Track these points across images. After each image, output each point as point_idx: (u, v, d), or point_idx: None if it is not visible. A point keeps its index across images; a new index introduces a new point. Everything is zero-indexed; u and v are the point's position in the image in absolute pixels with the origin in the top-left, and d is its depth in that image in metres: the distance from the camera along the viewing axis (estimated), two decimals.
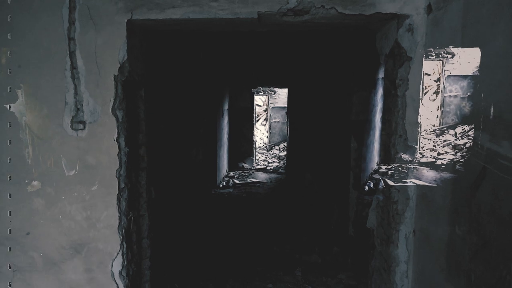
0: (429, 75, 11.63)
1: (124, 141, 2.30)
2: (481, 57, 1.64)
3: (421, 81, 2.25)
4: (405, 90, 2.29)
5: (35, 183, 2.31)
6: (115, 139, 2.28)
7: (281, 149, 14.95)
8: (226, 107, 10.88)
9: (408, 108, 2.29)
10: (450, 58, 10.88)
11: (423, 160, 9.30)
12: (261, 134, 15.93)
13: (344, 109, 5.20)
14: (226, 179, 10.30)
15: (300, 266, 4.85)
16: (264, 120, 16.11)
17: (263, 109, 16.18)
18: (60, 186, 2.32)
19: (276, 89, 14.90)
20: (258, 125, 15.42)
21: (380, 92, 7.99)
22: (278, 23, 2.39)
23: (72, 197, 2.33)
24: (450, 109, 11.32)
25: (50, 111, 2.26)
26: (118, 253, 2.38)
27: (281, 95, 15.41)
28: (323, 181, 6.75)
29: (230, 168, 11.60)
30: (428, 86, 11.64)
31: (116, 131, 2.28)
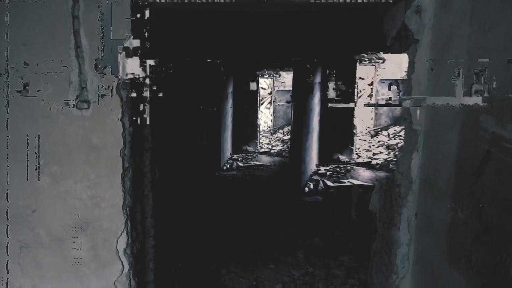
0: (363, 79, 11.88)
1: (128, 120, 2.31)
2: (490, 39, 1.62)
3: (427, 65, 2.23)
4: (411, 73, 2.27)
5: (40, 161, 2.33)
6: (119, 119, 2.28)
7: (285, 133, 14.94)
8: (230, 90, 10.84)
9: (413, 92, 2.27)
10: (381, 63, 11.21)
11: (360, 160, 9.41)
12: (265, 117, 15.90)
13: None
14: (230, 161, 10.35)
15: (302, 248, 4.91)
16: (269, 103, 16.05)
17: (267, 92, 16.11)
18: (65, 165, 2.34)
19: (281, 72, 14.79)
20: (262, 108, 15.38)
21: (317, 96, 7.90)
22: (285, 4, 2.36)
23: (77, 176, 2.35)
24: (383, 111, 11.67)
25: (55, 90, 2.27)
26: (122, 232, 2.41)
27: (286, 78, 15.31)
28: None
29: (234, 151, 11.63)
30: (363, 89, 11.91)
31: (121, 110, 2.28)
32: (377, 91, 11.63)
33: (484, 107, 1.63)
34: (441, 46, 2.07)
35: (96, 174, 2.35)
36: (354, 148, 9.53)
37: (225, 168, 9.71)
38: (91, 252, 2.42)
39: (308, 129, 7.45)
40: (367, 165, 8.82)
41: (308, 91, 7.40)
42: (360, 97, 11.70)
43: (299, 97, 7.25)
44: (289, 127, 13.22)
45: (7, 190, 2.35)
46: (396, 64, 11.55)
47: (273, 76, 14.73)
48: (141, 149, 2.57)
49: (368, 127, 11.58)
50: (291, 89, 11.21)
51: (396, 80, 11.62)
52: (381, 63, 11.33)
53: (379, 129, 11.57)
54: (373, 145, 10.21)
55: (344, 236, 5.16)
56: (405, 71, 8.87)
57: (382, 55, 10.63)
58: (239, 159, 10.85)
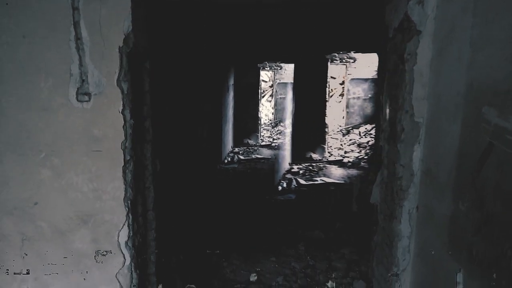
0: (334, 78, 12.03)
1: (129, 113, 2.31)
2: (493, 30, 1.60)
3: (430, 56, 2.21)
4: (413, 64, 2.25)
5: (42, 154, 2.33)
6: (120, 111, 2.28)
7: (286, 126, 14.92)
8: (231, 82, 10.81)
9: (415, 84, 2.26)
10: (352, 62, 11.39)
11: (332, 158, 9.49)
12: (266, 110, 15.87)
13: None
14: (231, 154, 10.35)
15: (303, 241, 4.92)
16: (270, 96, 16.01)
17: (268, 85, 16.05)
18: (66, 157, 2.34)
19: (282, 64, 14.73)
20: (263, 101, 15.34)
21: (289, 96, 7.77)
22: None
23: (78, 168, 2.35)
24: (354, 110, 11.85)
25: (55, 82, 2.26)
26: (124, 224, 2.42)
27: (287, 71, 15.25)
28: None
29: (235, 144, 11.63)
30: (334, 88, 12.08)
31: (121, 103, 2.28)
32: (348, 90, 11.79)
33: (487, 98, 1.62)
34: (444, 37, 2.05)
35: (97, 167, 2.35)
36: (326, 146, 9.65)
37: (226, 161, 9.71)
38: (93, 244, 2.43)
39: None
40: (339, 163, 8.98)
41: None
42: (331, 96, 11.89)
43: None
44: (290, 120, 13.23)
45: (9, 182, 2.36)
46: (367, 64, 11.76)
47: (274, 69, 14.68)
48: (142, 141, 2.57)
49: (340, 126, 11.74)
50: (292, 81, 11.19)
51: (366, 79, 11.85)
52: (352, 62, 11.53)
53: (351, 128, 11.77)
54: (344, 144, 10.35)
55: (345, 228, 5.17)
56: (375, 70, 9.01)
57: (353, 54, 10.81)
58: (240, 152, 10.85)
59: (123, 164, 2.34)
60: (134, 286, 2.49)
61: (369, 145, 9.80)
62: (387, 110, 2.64)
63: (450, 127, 1.93)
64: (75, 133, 2.31)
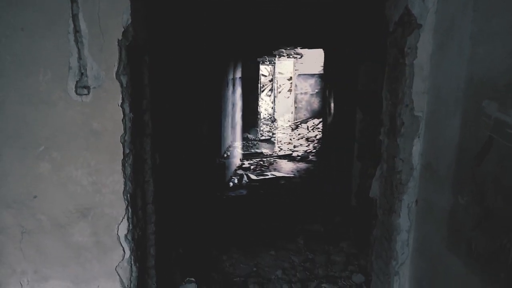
0: (282, 74, 12.12)
1: (128, 106, 2.30)
2: (494, 24, 1.60)
3: (430, 51, 2.20)
4: (413, 59, 2.25)
5: (41, 148, 2.33)
6: (119, 105, 2.27)
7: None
8: (231, 76, 10.77)
9: (415, 78, 2.25)
10: (299, 58, 11.47)
11: (281, 153, 9.58)
12: (265, 105, 15.84)
13: (351, 79, 5.13)
14: (231, 149, 10.35)
15: (302, 235, 4.93)
16: (269, 90, 15.98)
17: (268, 79, 16.02)
18: (65, 151, 2.33)
19: (280, 59, 14.69)
20: (263, 95, 15.30)
21: (239, 91, 7.84)
22: None
23: (78, 162, 2.35)
24: (302, 105, 11.96)
25: (54, 75, 2.25)
26: (123, 218, 2.42)
27: (287, 65, 15.20)
28: (327, 152, 6.76)
29: (234, 139, 11.61)
30: (283, 84, 12.15)
31: (121, 96, 2.27)
32: (295, 85, 11.89)
33: (487, 92, 1.61)
34: (444, 31, 2.04)
35: (96, 160, 2.35)
36: (276, 141, 9.74)
37: (225, 155, 9.71)
38: (93, 238, 2.43)
39: (234, 123, 7.50)
40: (289, 157, 9.09)
41: (225, 85, 7.24)
42: (280, 91, 11.98)
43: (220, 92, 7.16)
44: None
45: (8, 176, 2.35)
46: (313, 59, 11.90)
47: (274, 63, 14.64)
48: (142, 135, 2.57)
49: (289, 121, 11.85)
50: (291, 76, 11.18)
51: (313, 75, 11.98)
52: (299, 58, 11.63)
53: (299, 123, 11.90)
54: (293, 138, 10.48)
55: (344, 222, 5.18)
56: (322, 66, 9.13)
57: (300, 50, 10.91)
58: (240, 146, 10.84)
59: (122, 158, 2.34)
60: (133, 279, 2.50)
61: (316, 139, 10.02)
62: (387, 104, 2.63)
63: (450, 121, 1.93)
64: (74, 126, 2.31)
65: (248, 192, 6.64)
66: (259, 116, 12.39)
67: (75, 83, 2.25)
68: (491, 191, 1.56)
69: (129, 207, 2.42)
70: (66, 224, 2.41)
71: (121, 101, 2.28)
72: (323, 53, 7.25)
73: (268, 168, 8.19)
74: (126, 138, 2.33)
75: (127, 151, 2.35)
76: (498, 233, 1.51)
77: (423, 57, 2.22)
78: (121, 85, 2.27)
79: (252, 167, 8.21)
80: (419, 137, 2.29)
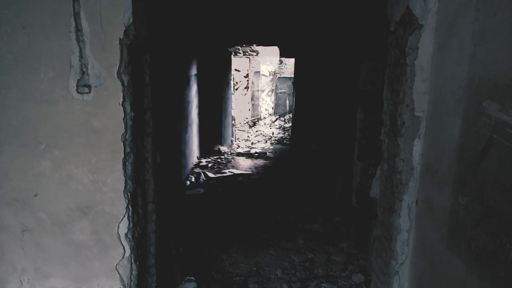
0: (239, 71, 12.16)
1: (129, 105, 2.30)
2: (495, 24, 1.60)
3: (431, 51, 2.20)
4: (414, 58, 2.25)
5: (42, 146, 2.33)
6: (120, 103, 2.27)
7: (286, 120, 14.91)
8: (231, 77, 10.78)
9: (416, 77, 2.25)
10: (255, 55, 11.54)
11: (240, 150, 9.59)
12: (266, 104, 15.84)
13: (352, 79, 5.13)
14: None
15: (302, 234, 4.94)
16: (270, 90, 15.97)
17: (269, 79, 16.01)
18: (66, 149, 2.34)
19: (282, 59, 14.69)
20: (263, 95, 15.30)
21: (194, 88, 7.85)
22: None
23: (79, 160, 2.35)
24: (259, 102, 12.01)
25: (56, 74, 2.25)
26: (124, 216, 2.42)
27: (288, 65, 15.21)
28: (328, 152, 6.76)
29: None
30: (239, 81, 12.18)
31: (122, 95, 2.27)
32: (252, 82, 11.91)
33: (488, 92, 1.62)
34: (445, 31, 2.05)
35: (97, 159, 2.35)
36: (234, 138, 9.74)
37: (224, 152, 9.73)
38: (93, 236, 2.43)
39: (187, 122, 7.37)
40: (247, 155, 9.07)
41: (185, 83, 7.16)
42: (237, 89, 12.02)
43: (177, 89, 7.03)
44: (290, 115, 13.22)
45: (9, 173, 2.36)
46: (269, 57, 11.98)
47: (275, 64, 14.64)
48: (142, 133, 2.57)
49: (247, 118, 11.86)
50: (293, 76, 11.17)
51: (269, 72, 12.07)
52: (255, 55, 11.70)
53: (257, 120, 11.92)
54: (251, 135, 10.51)
55: (344, 222, 5.18)
56: (278, 63, 9.19)
57: (256, 47, 10.97)
58: (240, 145, 10.85)
59: (123, 157, 2.35)
60: (133, 277, 2.50)
61: (274, 136, 10.06)
62: (388, 104, 2.64)
63: (450, 121, 1.93)
64: (76, 125, 2.31)
65: (205, 191, 6.56)
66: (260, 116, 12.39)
67: (76, 81, 2.26)
68: (491, 191, 1.56)
69: (129, 206, 2.42)
70: (66, 222, 2.41)
71: (122, 100, 2.28)
72: (278, 51, 7.34)
73: (226, 165, 8.07)
74: (127, 137, 2.34)
75: (128, 149, 2.36)
76: (498, 233, 1.51)
77: (424, 57, 2.22)
78: (122, 84, 2.27)
79: (209, 165, 8.06)
80: (419, 137, 2.29)
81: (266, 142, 9.95)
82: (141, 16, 2.35)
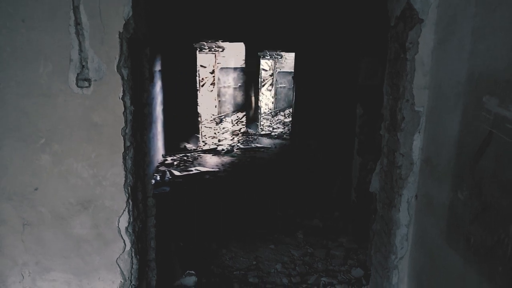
0: (205, 67, 12.13)
1: (129, 99, 2.30)
2: (495, 19, 1.59)
3: (432, 45, 2.20)
4: (415, 53, 2.25)
5: (42, 140, 2.33)
6: (120, 98, 2.27)
7: (286, 115, 14.91)
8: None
9: (416, 72, 2.25)
10: (221, 51, 11.54)
11: (206, 147, 9.54)
12: (266, 99, 15.83)
13: (351, 74, 5.12)
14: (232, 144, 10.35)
15: (301, 229, 4.95)
16: (270, 85, 15.95)
17: (269, 74, 15.98)
18: (66, 143, 2.34)
19: (283, 53, 14.65)
20: (263, 90, 15.29)
21: (159, 84, 7.79)
22: None
23: (78, 154, 2.35)
24: (226, 98, 12.04)
25: (55, 68, 2.25)
26: (124, 211, 2.43)
27: (288, 60, 15.17)
28: (327, 147, 6.77)
29: (235, 133, 11.62)
30: (205, 78, 12.14)
31: (122, 89, 2.27)
32: (218, 79, 11.89)
33: (488, 88, 1.62)
34: (446, 26, 2.04)
35: (97, 153, 2.35)
36: (200, 135, 9.68)
37: (224, 150, 9.71)
38: (94, 230, 2.44)
39: (151, 119, 7.11)
40: (214, 152, 9.00)
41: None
42: (203, 85, 11.98)
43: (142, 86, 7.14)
44: (290, 110, 13.21)
45: (9, 168, 2.36)
46: (235, 53, 11.91)
47: (275, 57, 14.60)
48: (142, 128, 2.57)
49: (213, 115, 11.83)
50: (293, 70, 11.15)
51: (236, 68, 12.01)
52: (221, 51, 11.66)
53: (223, 116, 11.91)
54: (218, 132, 10.50)
55: (343, 217, 5.20)
56: (243, 59, 9.15)
57: (221, 43, 10.93)
58: (240, 141, 10.85)
59: (123, 151, 2.35)
60: (134, 271, 2.51)
61: (241, 133, 10.07)
62: (388, 99, 2.64)
63: (450, 116, 1.93)
64: (75, 119, 2.31)
65: (171, 189, 6.42)
66: (259, 111, 12.37)
67: (76, 75, 2.25)
68: (490, 185, 1.57)
69: (129, 200, 2.43)
70: (67, 217, 2.42)
71: (122, 94, 2.28)
72: (244, 48, 7.28)
73: (192, 163, 7.91)
74: (127, 131, 2.34)
75: (128, 144, 2.36)
76: (496, 228, 1.52)
77: (424, 52, 2.22)
78: (122, 78, 2.27)
79: (175, 163, 7.88)
80: (419, 132, 2.29)
81: (233, 138, 9.92)
82: (140, 10, 2.34)
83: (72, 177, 2.38)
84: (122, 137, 2.33)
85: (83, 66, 2.23)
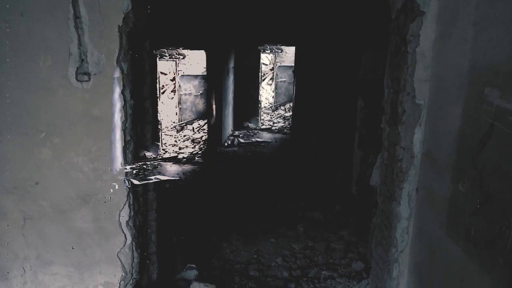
0: (165, 74, 12.05)
1: (129, 93, 2.30)
2: (498, 11, 1.58)
3: (433, 38, 2.19)
4: (416, 46, 2.23)
5: (42, 134, 2.33)
6: (120, 91, 2.27)
7: (286, 110, 14.87)
8: (232, 65, 10.72)
9: (417, 65, 2.24)
10: (182, 58, 11.50)
11: (166, 155, 9.42)
12: (266, 93, 15.79)
13: (352, 68, 5.11)
14: (231, 138, 10.34)
15: (302, 223, 4.96)
16: (270, 79, 15.91)
17: (269, 68, 15.93)
18: (66, 137, 2.34)
19: (283, 47, 14.57)
20: (264, 84, 15.25)
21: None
22: None
23: (79, 148, 2.35)
24: (187, 106, 11.99)
25: (55, 62, 2.24)
26: (125, 204, 2.43)
27: (288, 54, 15.10)
28: (328, 141, 6.76)
29: (235, 128, 11.60)
30: (166, 85, 12.09)
31: (122, 83, 2.26)
32: (179, 86, 11.84)
33: (490, 80, 1.61)
34: (447, 19, 2.03)
35: (97, 147, 2.35)
36: (160, 143, 9.69)
37: (226, 144, 9.71)
38: (95, 224, 2.45)
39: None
40: (174, 160, 8.90)
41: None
42: (163, 92, 11.94)
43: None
44: (291, 104, 13.17)
45: (10, 162, 2.36)
46: (196, 60, 11.91)
47: (275, 51, 14.54)
48: (142, 122, 2.57)
49: (174, 122, 11.76)
50: (293, 65, 11.10)
51: (196, 76, 12.01)
52: (182, 58, 11.63)
53: (184, 124, 11.82)
54: (179, 140, 10.42)
55: (344, 211, 5.20)
56: (204, 67, 9.12)
57: (182, 51, 10.88)
58: (241, 135, 10.84)
59: (123, 145, 2.34)
60: (135, 265, 2.52)
61: (203, 140, 10.01)
62: (388, 92, 2.63)
63: (451, 108, 1.93)
64: (75, 113, 2.30)
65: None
66: (260, 105, 12.36)
67: (75, 69, 2.25)
68: (491, 177, 1.57)
69: (130, 194, 2.43)
70: (67, 210, 2.42)
71: (122, 88, 2.27)
72: (205, 55, 7.23)
73: (152, 172, 7.81)
74: (127, 125, 2.33)
75: (128, 138, 2.36)
76: (497, 220, 1.51)
77: (425, 44, 2.20)
78: (122, 72, 2.26)
79: (134, 172, 7.75)
80: (420, 125, 2.28)
81: (194, 146, 9.82)
82: (140, 3, 2.32)
83: (72, 171, 2.38)
84: (122, 131, 2.32)
85: (82, 60, 2.23)
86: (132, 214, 2.45)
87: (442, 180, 2.01)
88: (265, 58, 15.50)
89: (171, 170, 7.98)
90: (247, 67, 11.53)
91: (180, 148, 9.85)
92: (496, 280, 1.52)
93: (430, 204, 2.18)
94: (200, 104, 12.30)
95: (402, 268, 2.52)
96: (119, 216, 2.44)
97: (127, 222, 2.45)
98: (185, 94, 12.19)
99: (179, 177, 7.42)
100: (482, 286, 1.63)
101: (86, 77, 2.25)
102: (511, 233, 1.42)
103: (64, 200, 2.41)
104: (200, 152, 9.14)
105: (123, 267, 2.50)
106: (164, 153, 9.64)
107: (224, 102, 9.70)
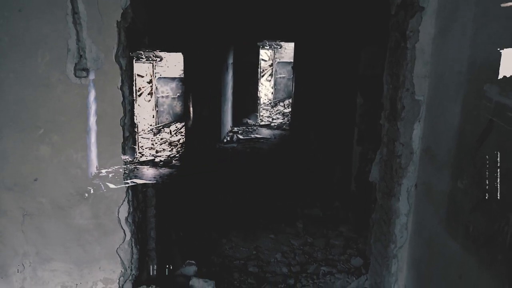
0: (142, 76, 12.00)
1: (128, 89, 2.29)
2: (497, 7, 1.58)
3: (432, 34, 2.18)
4: (415, 42, 2.23)
5: (41, 130, 2.32)
6: (119, 87, 2.26)
7: (285, 106, 14.87)
8: (230, 61, 10.69)
9: (417, 61, 2.23)
10: (159, 61, 11.46)
11: (143, 159, 9.34)
12: (265, 90, 15.77)
13: (352, 64, 5.09)
14: (230, 134, 10.34)
15: (301, 219, 4.97)
16: (269, 75, 15.89)
17: (268, 64, 15.90)
18: (65, 133, 2.33)
19: (282, 43, 14.54)
20: (263, 80, 15.23)
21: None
22: None
23: (78, 145, 2.35)
24: (164, 108, 11.97)
25: (53, 57, 2.23)
26: (124, 201, 2.43)
27: (288, 50, 15.07)
28: (327, 137, 6.76)
29: (234, 124, 11.60)
30: (143, 87, 12.05)
31: (120, 79, 2.25)
32: (156, 88, 11.79)
33: (489, 76, 1.60)
34: (447, 14, 2.02)
35: (96, 143, 2.34)
36: (137, 146, 9.60)
37: (225, 140, 9.70)
38: (94, 220, 2.45)
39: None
40: (151, 163, 8.82)
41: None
42: (140, 95, 11.89)
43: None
44: (290, 100, 13.16)
45: (8, 158, 2.36)
46: (173, 63, 11.87)
47: (274, 47, 14.51)
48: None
49: (151, 125, 11.70)
50: (292, 61, 11.09)
51: (174, 78, 11.98)
52: (159, 61, 11.59)
53: (161, 127, 11.75)
54: (156, 143, 10.35)
55: (343, 207, 5.21)
56: (182, 70, 9.10)
57: (159, 53, 10.84)
58: (240, 131, 10.84)
59: (122, 141, 2.34)
60: (134, 261, 2.52)
61: (180, 143, 9.93)
62: (388, 88, 2.62)
63: (451, 105, 1.92)
64: (74, 109, 2.30)
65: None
66: (259, 102, 12.35)
67: (74, 65, 2.24)
68: (490, 174, 1.57)
69: (129, 190, 2.43)
70: (67, 207, 2.42)
71: (120, 84, 2.27)
72: (182, 57, 7.14)
73: (128, 176, 7.75)
74: (126, 121, 2.33)
75: (127, 134, 2.35)
76: (496, 216, 1.52)
77: (425, 40, 2.20)
78: (121, 68, 2.25)
79: (110, 175, 7.63)
80: (419, 121, 2.28)
81: (172, 150, 9.72)
82: None
83: (71, 167, 2.38)
84: (121, 127, 2.32)
85: (81, 56, 2.22)
86: (131, 210, 2.45)
87: (441, 177, 2.01)
88: (264, 54, 15.47)
89: (148, 173, 7.94)
90: (246, 63, 11.50)
91: (157, 152, 9.75)
92: (495, 277, 1.53)
93: (429, 199, 2.18)
94: (178, 107, 12.20)
95: (401, 264, 2.53)
96: (118, 212, 2.44)
97: (126, 218, 2.45)
98: (163, 97, 12.11)
99: (156, 181, 7.37)
100: (481, 282, 1.63)
101: (84, 73, 2.25)
102: (510, 229, 1.43)
103: (63, 196, 2.41)
104: (178, 155, 9.04)
105: (123, 263, 2.50)
106: (140, 157, 9.55)
107: (223, 98, 9.69)
